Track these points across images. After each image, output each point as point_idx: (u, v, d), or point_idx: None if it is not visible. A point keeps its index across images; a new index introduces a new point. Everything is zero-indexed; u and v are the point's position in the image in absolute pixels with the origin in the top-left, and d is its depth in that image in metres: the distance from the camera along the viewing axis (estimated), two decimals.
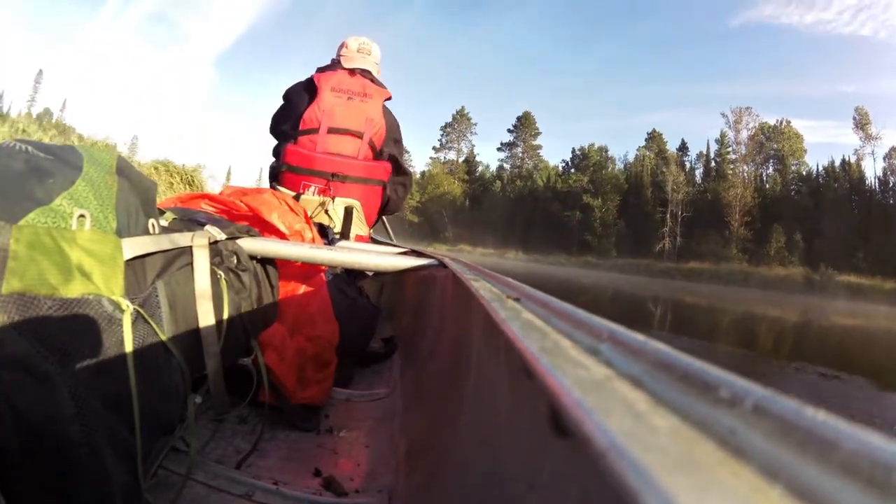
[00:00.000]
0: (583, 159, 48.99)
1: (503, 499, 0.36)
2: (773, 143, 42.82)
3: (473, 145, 58.09)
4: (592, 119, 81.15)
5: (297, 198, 2.00)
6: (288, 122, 2.10)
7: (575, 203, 46.34)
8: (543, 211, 48.10)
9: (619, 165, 48.91)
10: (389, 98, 2.17)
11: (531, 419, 0.31)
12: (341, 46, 2.25)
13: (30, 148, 0.60)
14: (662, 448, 0.18)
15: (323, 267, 1.29)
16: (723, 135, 44.65)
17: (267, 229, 1.19)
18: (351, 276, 1.70)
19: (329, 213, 2.01)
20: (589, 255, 43.62)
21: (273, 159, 2.17)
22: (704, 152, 45.76)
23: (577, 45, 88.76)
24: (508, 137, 55.56)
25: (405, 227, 53.30)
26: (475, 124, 57.81)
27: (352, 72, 2.14)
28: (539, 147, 54.55)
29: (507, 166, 55.36)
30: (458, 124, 57.42)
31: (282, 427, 1.05)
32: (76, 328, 0.54)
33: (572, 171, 49.46)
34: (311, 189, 2.01)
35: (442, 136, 58.26)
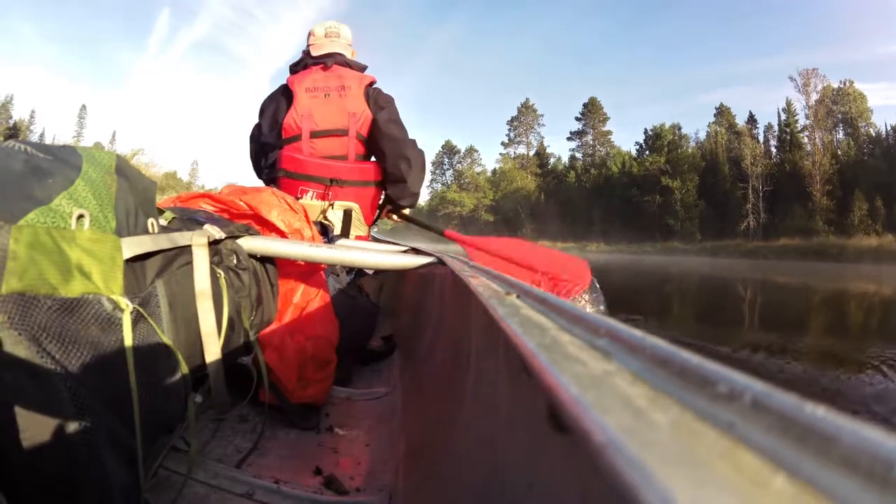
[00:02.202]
0: (656, 140, 47.39)
1: (503, 495, 0.36)
2: (840, 107, 41.14)
3: (542, 137, 57.57)
4: (656, 103, 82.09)
5: None
6: (270, 132, 2.06)
7: (653, 187, 44.71)
8: (621, 198, 46.58)
9: (692, 144, 47.13)
10: (372, 83, 2.07)
11: (530, 416, 0.31)
12: (309, 35, 2.17)
13: (29, 148, 0.60)
14: (661, 443, 0.18)
15: (323, 266, 1.29)
16: (789, 103, 43.08)
17: (266, 228, 1.19)
18: (350, 275, 1.70)
19: (329, 217, 1.99)
20: (673, 240, 42.05)
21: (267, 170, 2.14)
22: (772, 124, 44.14)
23: (631, 31, 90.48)
24: (577, 126, 54.67)
25: (480, 226, 52.99)
26: (542, 115, 57.19)
27: (325, 66, 2.05)
28: (609, 133, 53.44)
29: (578, 155, 54.37)
30: (525, 117, 56.85)
31: (282, 426, 1.05)
32: (76, 328, 0.54)
33: (646, 153, 47.80)
34: (310, 194, 1.98)
35: (510, 130, 57.84)
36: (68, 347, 0.52)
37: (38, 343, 0.49)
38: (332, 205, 1.99)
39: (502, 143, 57.89)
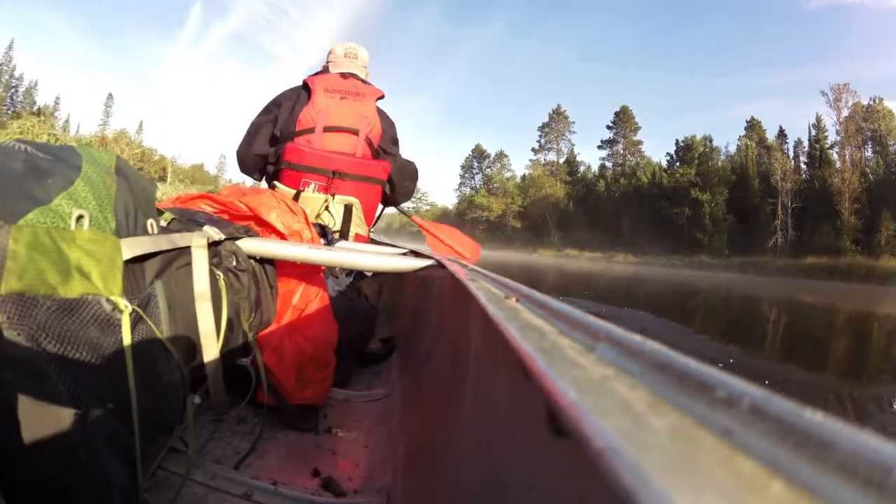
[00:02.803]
0: (687, 151, 46.31)
1: (501, 499, 0.36)
2: (870, 124, 39.95)
3: (573, 144, 56.69)
4: (687, 114, 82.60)
5: (296, 195, 2.01)
6: (285, 126, 2.12)
7: (682, 199, 43.79)
8: (650, 209, 45.66)
9: (722, 157, 45.91)
10: (382, 96, 2.21)
11: (529, 419, 0.31)
12: (329, 53, 2.32)
13: (29, 148, 0.60)
14: (660, 448, 0.18)
15: (322, 267, 1.29)
16: (819, 118, 41.71)
17: (266, 229, 1.19)
18: (350, 277, 1.70)
19: (329, 210, 2.02)
20: (702, 254, 40.90)
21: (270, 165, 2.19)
22: (801, 140, 42.78)
23: (664, 42, 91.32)
24: (608, 135, 53.71)
25: (507, 233, 52.82)
26: (573, 122, 56.34)
27: (343, 74, 2.19)
28: (640, 143, 52.58)
29: (608, 164, 53.35)
30: (556, 123, 56.11)
31: (280, 427, 1.05)
32: (75, 328, 0.54)
33: (677, 164, 46.68)
34: (312, 186, 2.02)
35: (540, 136, 57.06)
36: (67, 348, 0.52)
37: (37, 343, 0.49)
38: (333, 196, 2.03)
39: (532, 150, 57.37)
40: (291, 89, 2.20)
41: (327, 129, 2.08)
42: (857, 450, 0.16)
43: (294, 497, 0.82)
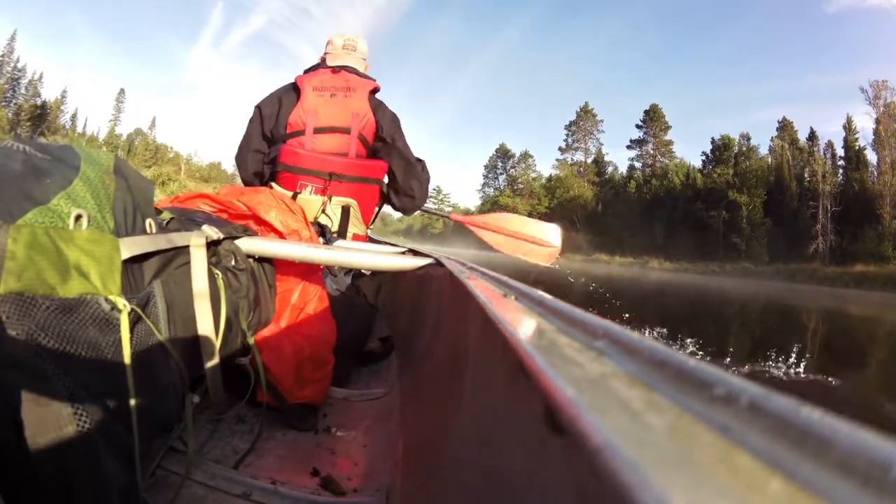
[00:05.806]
0: (723, 151, 44.60)
1: (500, 497, 0.36)
2: None
3: (601, 144, 55.30)
4: (712, 119, 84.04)
5: (293, 198, 1.99)
6: (276, 127, 2.08)
7: (719, 201, 42.03)
8: (684, 212, 43.93)
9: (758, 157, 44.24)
10: (377, 89, 2.14)
11: (528, 417, 0.31)
12: (327, 44, 2.24)
13: (27, 148, 0.60)
14: (657, 445, 0.18)
15: (320, 266, 1.29)
16: (850, 119, 40.14)
17: (264, 228, 1.19)
18: (348, 276, 1.70)
19: (327, 212, 2.00)
20: (740, 260, 39.20)
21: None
22: (832, 142, 41.38)
23: (686, 46, 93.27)
24: (637, 134, 52.30)
25: None
26: (601, 121, 55.08)
27: (335, 70, 2.12)
28: (670, 142, 50.98)
29: (638, 165, 51.97)
30: (583, 122, 54.93)
31: (280, 426, 1.05)
32: (74, 328, 0.54)
33: (712, 164, 44.91)
34: (308, 189, 2.00)
35: (567, 135, 55.80)
36: (66, 348, 0.52)
37: (36, 343, 0.49)
38: (330, 198, 2.01)
39: (559, 149, 56.07)
40: (280, 89, 2.16)
41: (318, 131, 2.04)
42: (856, 447, 0.16)
43: (293, 496, 0.82)
